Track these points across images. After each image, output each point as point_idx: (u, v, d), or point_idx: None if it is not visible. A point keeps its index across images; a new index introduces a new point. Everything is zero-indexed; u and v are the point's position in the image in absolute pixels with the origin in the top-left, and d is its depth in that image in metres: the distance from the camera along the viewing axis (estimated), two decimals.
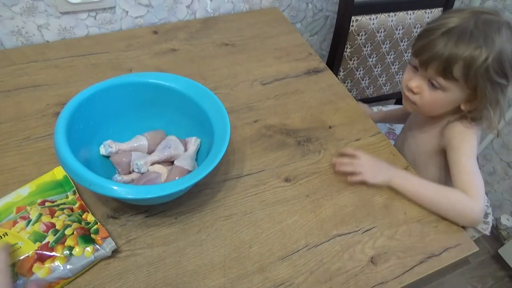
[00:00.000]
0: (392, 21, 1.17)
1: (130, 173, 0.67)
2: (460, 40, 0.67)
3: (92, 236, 0.56)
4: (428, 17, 1.21)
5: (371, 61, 1.25)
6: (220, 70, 0.92)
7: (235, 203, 0.67)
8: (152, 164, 0.68)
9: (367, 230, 0.65)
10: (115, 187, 0.52)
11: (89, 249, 0.54)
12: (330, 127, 0.82)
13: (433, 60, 0.70)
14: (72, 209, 0.59)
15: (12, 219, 0.56)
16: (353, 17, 1.12)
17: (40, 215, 0.56)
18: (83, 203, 0.62)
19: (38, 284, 0.51)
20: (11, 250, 0.52)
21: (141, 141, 0.69)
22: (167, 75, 0.69)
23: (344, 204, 0.68)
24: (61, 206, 0.59)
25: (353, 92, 1.34)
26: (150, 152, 0.69)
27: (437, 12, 1.21)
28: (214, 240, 0.62)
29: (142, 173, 0.66)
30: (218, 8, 1.10)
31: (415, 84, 0.75)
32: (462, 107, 0.74)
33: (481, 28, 0.68)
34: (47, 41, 0.96)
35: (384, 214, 0.68)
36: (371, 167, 0.71)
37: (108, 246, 0.56)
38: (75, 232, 0.55)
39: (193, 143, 0.70)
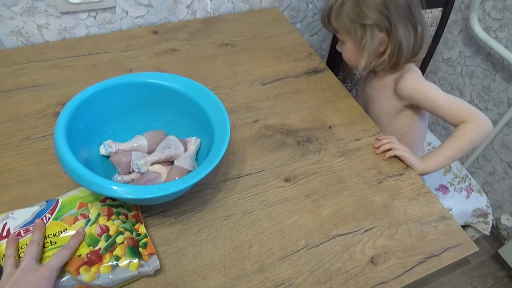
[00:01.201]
0: None
1: (130, 173, 0.67)
2: None
3: (140, 249, 0.56)
4: (428, 17, 1.21)
5: None
6: (220, 70, 0.92)
7: (235, 203, 0.67)
8: (152, 164, 0.68)
9: (367, 230, 0.65)
10: (115, 187, 0.52)
11: (134, 262, 0.54)
12: (330, 127, 0.82)
13: (322, 19, 0.84)
14: (127, 216, 0.60)
15: (74, 215, 0.57)
16: None
17: (99, 215, 0.57)
18: (139, 213, 0.62)
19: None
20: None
21: (141, 141, 0.69)
22: (167, 75, 0.69)
23: (344, 204, 0.68)
24: (119, 209, 0.60)
25: (353, 92, 1.34)
26: (150, 152, 0.69)
27: (437, 12, 1.21)
28: (214, 240, 0.62)
29: (142, 173, 0.66)
30: (218, 8, 1.10)
31: (338, 46, 0.88)
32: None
33: None
34: (47, 41, 0.96)
35: (384, 214, 0.68)
36: (405, 147, 0.78)
37: (152, 264, 0.55)
38: (125, 242, 0.55)
39: (193, 143, 0.70)
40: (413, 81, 0.82)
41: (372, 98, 0.94)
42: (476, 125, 0.77)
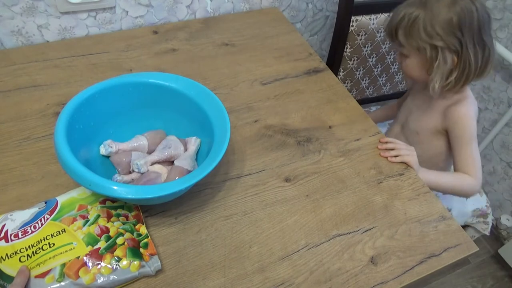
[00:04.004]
0: None
1: (130, 173, 0.67)
2: (404, 6, 0.78)
3: (141, 250, 0.56)
4: None
5: (371, 61, 1.25)
6: (220, 70, 0.92)
7: (235, 203, 0.67)
8: (152, 164, 0.68)
9: (367, 230, 0.65)
10: (115, 187, 0.52)
11: (135, 263, 0.54)
12: (330, 127, 0.82)
13: (389, 31, 0.81)
14: (127, 217, 0.60)
15: (73, 216, 0.57)
16: (353, 17, 1.12)
17: (98, 216, 0.57)
18: (140, 213, 0.62)
19: None
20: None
21: (141, 141, 0.69)
22: (167, 75, 0.69)
23: (344, 204, 0.68)
24: (118, 211, 0.60)
25: (353, 92, 1.34)
26: (150, 152, 0.69)
27: None
28: (214, 240, 0.62)
29: (142, 173, 0.66)
30: (218, 8, 1.10)
31: (397, 57, 0.86)
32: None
33: None
34: (47, 41, 0.96)
35: (384, 214, 0.68)
36: (411, 151, 0.79)
37: (153, 264, 0.55)
38: (126, 243, 0.55)
39: (193, 143, 0.70)
40: (465, 112, 0.82)
41: (420, 109, 0.93)
42: (473, 183, 0.82)
